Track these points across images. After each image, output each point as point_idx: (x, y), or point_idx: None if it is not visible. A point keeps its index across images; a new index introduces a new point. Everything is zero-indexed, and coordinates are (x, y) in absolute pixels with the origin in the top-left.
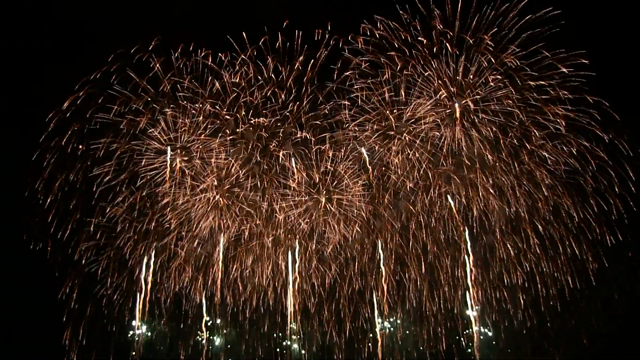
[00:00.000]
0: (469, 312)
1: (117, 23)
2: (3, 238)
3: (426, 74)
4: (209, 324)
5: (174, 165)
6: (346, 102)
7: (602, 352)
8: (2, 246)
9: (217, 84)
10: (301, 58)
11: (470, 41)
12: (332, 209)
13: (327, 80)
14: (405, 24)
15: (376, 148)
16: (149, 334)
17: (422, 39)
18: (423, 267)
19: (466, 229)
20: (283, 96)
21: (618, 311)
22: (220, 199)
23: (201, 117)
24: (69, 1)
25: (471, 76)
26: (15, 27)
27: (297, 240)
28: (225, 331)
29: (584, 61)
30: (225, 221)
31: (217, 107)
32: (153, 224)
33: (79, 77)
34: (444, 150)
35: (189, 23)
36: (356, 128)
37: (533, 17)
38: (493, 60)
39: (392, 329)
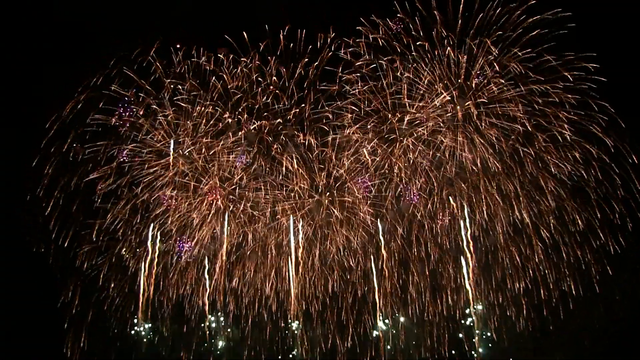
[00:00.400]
0: (469, 310)
1: (117, 23)
2: (4, 242)
3: (428, 77)
4: (212, 322)
5: (175, 168)
6: (348, 105)
7: (603, 353)
8: (3, 250)
9: (219, 86)
10: (303, 61)
11: (472, 45)
12: (336, 211)
13: (329, 84)
14: (407, 27)
15: (379, 151)
16: (151, 336)
17: (424, 43)
18: (427, 269)
19: (468, 228)
20: (285, 99)
21: (620, 314)
22: (222, 202)
23: (204, 120)
24: (69, 1)
25: (474, 80)
26: (15, 27)
27: (300, 242)
28: (229, 330)
29: (588, 65)
30: (227, 224)
31: (219, 109)
32: (156, 228)
33: (79, 78)
34: (447, 154)
35: (189, 23)
36: (358, 131)
37: (539, 19)
38: (496, 66)
39: (394, 331)
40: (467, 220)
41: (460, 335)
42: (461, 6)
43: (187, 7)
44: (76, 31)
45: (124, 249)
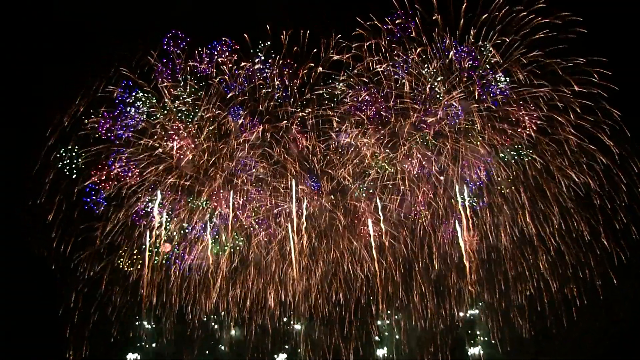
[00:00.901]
0: (471, 313)
1: (117, 23)
2: (6, 246)
3: (430, 81)
4: (214, 325)
5: (177, 172)
6: (351, 109)
7: (604, 354)
8: (5, 255)
9: (220, 88)
10: (305, 65)
11: (475, 48)
12: (340, 215)
13: (332, 87)
14: (408, 29)
15: (381, 155)
16: (154, 337)
17: (425, 48)
18: (430, 273)
19: (470, 229)
20: (287, 101)
21: (620, 315)
22: (225, 206)
23: (206, 123)
24: (69, 1)
25: (477, 85)
26: (15, 27)
27: (303, 246)
28: (231, 332)
29: (595, 70)
30: (230, 228)
31: (221, 112)
32: (160, 233)
33: (79, 78)
34: (449, 158)
35: (189, 23)
36: (360, 135)
37: (546, 21)
38: (498, 70)
39: (393, 330)
40: (470, 221)
41: (459, 331)
42: (464, 6)
43: (187, 7)
44: (76, 31)
45: (125, 255)
